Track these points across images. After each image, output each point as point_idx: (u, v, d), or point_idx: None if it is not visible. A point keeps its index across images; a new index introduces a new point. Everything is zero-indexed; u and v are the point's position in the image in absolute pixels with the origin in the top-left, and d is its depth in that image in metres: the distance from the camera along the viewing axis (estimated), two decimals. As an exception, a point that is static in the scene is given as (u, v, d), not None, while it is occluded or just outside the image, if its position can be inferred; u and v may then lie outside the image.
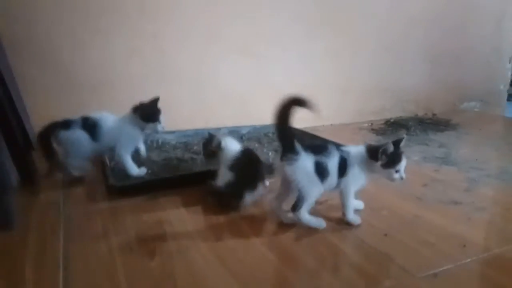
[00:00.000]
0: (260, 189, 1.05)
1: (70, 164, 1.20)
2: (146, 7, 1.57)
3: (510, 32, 2.48)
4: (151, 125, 1.23)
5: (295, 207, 0.89)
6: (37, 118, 1.43)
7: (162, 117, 1.25)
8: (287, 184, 0.91)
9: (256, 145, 1.61)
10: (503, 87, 2.54)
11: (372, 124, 2.02)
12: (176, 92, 1.71)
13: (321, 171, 0.89)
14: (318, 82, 2.01)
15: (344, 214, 0.96)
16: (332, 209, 1.02)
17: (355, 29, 2.03)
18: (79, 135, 1.17)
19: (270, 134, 1.78)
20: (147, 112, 1.22)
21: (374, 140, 1.71)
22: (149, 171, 1.24)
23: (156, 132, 1.26)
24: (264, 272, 0.77)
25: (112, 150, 1.22)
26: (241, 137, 1.71)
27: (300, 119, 1.90)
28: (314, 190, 0.89)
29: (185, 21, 1.65)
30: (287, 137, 0.91)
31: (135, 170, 1.21)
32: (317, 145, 0.97)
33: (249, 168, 1.04)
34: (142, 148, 1.30)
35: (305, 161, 0.89)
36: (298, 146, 0.90)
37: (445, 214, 1.01)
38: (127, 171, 1.20)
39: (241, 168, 1.02)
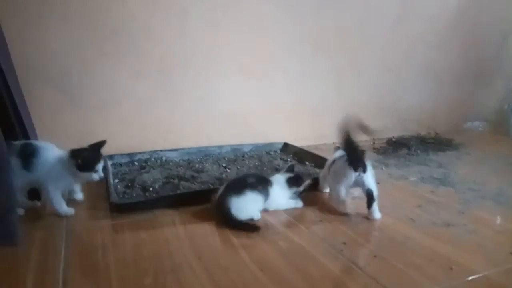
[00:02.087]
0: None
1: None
2: (152, 31, 1.63)
3: (513, 53, 2.50)
4: (85, 174, 1.13)
5: (370, 205, 1.13)
6: (46, 137, 1.49)
7: (100, 165, 1.15)
8: (354, 188, 1.16)
9: (257, 163, 1.64)
10: (507, 107, 2.54)
11: (374, 143, 2.04)
12: (180, 111, 1.76)
13: None
14: (320, 101, 2.05)
15: None
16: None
17: (357, 49, 2.08)
18: (12, 162, 1.05)
19: (272, 152, 1.82)
20: (83, 161, 1.11)
21: (375, 159, 1.73)
22: (151, 189, 1.29)
23: (92, 180, 1.15)
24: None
25: (42, 183, 1.12)
26: (243, 155, 1.76)
27: (302, 138, 1.96)
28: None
29: (189, 43, 1.71)
30: (358, 154, 1.12)
31: (62, 209, 1.12)
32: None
33: None
34: (78, 193, 1.24)
35: (370, 171, 1.14)
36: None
37: (435, 236, 1.03)
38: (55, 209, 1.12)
39: None
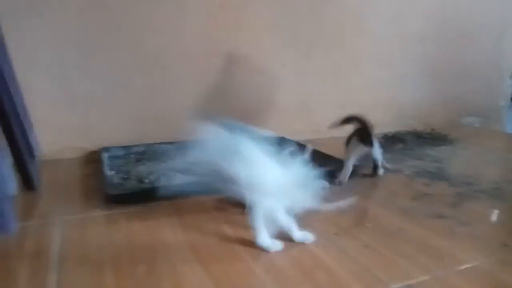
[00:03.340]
0: None
1: None
2: (150, 24, 1.63)
3: (510, 48, 2.51)
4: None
5: (376, 169, 1.44)
6: (42, 128, 1.50)
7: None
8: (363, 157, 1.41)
9: (253, 157, 1.65)
10: (503, 103, 2.56)
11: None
12: (177, 105, 1.76)
13: None
14: (317, 97, 2.06)
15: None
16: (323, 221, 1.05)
17: (354, 45, 2.08)
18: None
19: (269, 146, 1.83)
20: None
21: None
22: (146, 181, 1.29)
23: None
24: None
25: None
26: (240, 149, 1.76)
27: (298, 132, 1.97)
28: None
29: (188, 37, 1.72)
30: (369, 135, 1.36)
31: None
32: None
33: None
34: None
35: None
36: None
37: (428, 228, 1.04)
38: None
39: None
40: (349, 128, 1.45)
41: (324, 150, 1.56)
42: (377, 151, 1.41)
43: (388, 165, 1.51)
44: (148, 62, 1.67)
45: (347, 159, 1.38)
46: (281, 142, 1.24)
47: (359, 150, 1.37)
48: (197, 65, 1.76)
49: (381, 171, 1.46)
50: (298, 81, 2.00)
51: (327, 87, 2.07)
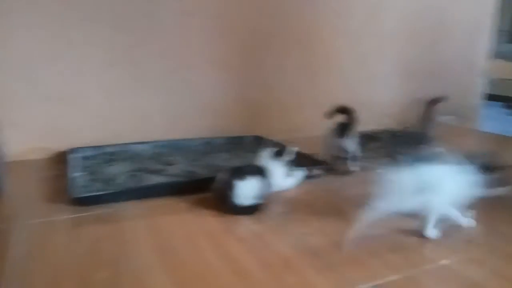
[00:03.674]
0: None
1: None
2: (121, 19, 1.59)
3: (482, 47, 2.56)
4: None
5: (354, 159, 1.46)
6: (8, 128, 1.45)
7: None
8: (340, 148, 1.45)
9: (229, 156, 1.63)
10: (477, 102, 2.60)
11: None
12: (152, 102, 1.73)
13: None
14: (293, 96, 2.05)
15: None
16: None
17: (329, 44, 2.08)
18: None
19: (245, 146, 1.80)
20: None
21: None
22: (114, 182, 1.25)
23: None
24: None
25: None
26: (216, 148, 1.74)
27: (276, 130, 1.96)
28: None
29: (161, 33, 1.68)
30: (346, 129, 1.42)
31: None
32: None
33: None
34: None
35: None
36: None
37: (400, 227, 1.04)
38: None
39: None
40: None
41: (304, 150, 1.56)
42: (350, 145, 1.44)
43: (356, 164, 1.49)
44: (118, 60, 1.63)
45: (324, 150, 1.46)
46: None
47: (334, 142, 1.45)
48: (170, 62, 1.73)
49: (353, 167, 1.47)
50: (274, 80, 1.98)
51: (304, 86, 2.06)
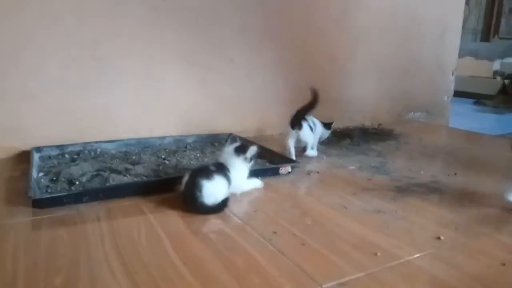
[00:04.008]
0: None
1: None
2: (84, 14, 1.54)
3: (452, 46, 2.61)
4: None
5: (305, 149, 1.60)
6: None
7: None
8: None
9: (199, 154, 1.60)
10: (447, 99, 2.66)
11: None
12: (117, 100, 1.68)
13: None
14: (265, 93, 2.04)
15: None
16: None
17: (302, 41, 2.08)
18: None
19: (216, 144, 1.78)
20: None
21: (318, 149, 1.73)
22: (77, 183, 1.21)
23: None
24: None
25: None
26: (185, 147, 1.71)
27: (249, 128, 1.94)
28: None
29: (127, 29, 1.64)
30: (298, 118, 1.53)
31: None
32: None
33: None
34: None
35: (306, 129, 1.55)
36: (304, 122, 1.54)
37: (365, 223, 1.04)
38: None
39: None
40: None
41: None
42: (306, 135, 1.54)
43: (313, 151, 1.62)
44: (83, 55, 1.57)
45: (286, 140, 1.54)
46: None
47: (291, 133, 1.53)
48: (137, 59, 1.69)
49: (311, 153, 1.60)
50: (246, 77, 1.97)
51: (277, 83, 2.05)
